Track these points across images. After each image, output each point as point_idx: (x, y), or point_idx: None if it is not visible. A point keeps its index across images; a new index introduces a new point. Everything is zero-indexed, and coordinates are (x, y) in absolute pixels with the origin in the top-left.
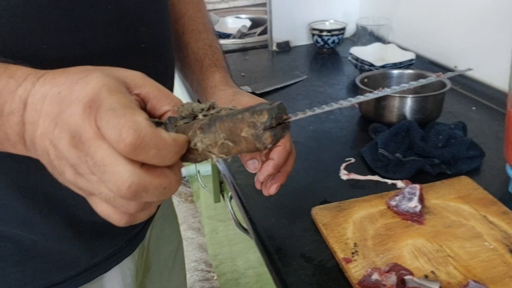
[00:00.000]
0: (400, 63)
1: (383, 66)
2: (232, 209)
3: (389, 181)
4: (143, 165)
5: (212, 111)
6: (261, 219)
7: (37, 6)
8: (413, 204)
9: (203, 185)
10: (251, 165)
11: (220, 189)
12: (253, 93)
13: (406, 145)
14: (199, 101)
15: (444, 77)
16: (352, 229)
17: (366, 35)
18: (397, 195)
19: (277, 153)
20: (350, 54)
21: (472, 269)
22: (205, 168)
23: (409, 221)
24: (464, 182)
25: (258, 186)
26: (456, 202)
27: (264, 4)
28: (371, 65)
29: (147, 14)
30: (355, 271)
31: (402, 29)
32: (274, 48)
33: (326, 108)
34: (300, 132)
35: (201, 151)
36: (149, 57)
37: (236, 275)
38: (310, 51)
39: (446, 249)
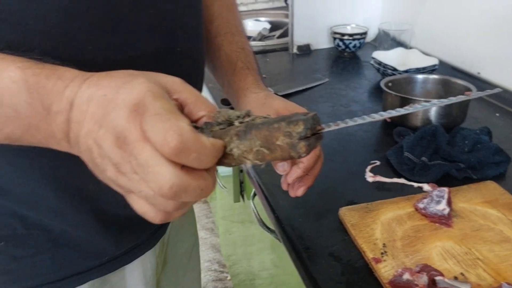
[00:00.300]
0: (423, 68)
1: (406, 71)
2: (255, 208)
3: (415, 184)
4: (183, 167)
5: (247, 119)
6: (288, 218)
7: (85, 9)
8: (442, 207)
9: (222, 186)
10: (281, 167)
11: (240, 189)
12: (275, 94)
13: (432, 149)
14: (223, 101)
15: (473, 96)
16: (381, 230)
17: (388, 40)
18: (425, 198)
19: (307, 157)
20: (373, 58)
21: (502, 272)
22: (224, 168)
23: (437, 224)
24: (491, 187)
25: (284, 187)
26: (483, 206)
27: (283, 7)
28: (394, 69)
29: (184, 18)
30: (384, 271)
31: (424, 34)
32: (295, 50)
33: (359, 121)
34: (325, 133)
35: (236, 156)
36: (183, 60)
37: (250, 276)
38: (330, 54)
39: (475, 252)
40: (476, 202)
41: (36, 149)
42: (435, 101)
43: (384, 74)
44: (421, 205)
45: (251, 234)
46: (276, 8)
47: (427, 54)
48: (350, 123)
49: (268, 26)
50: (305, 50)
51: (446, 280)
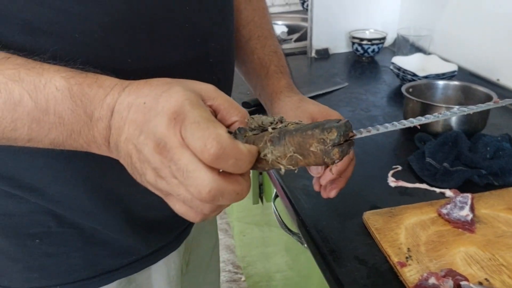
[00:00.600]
0: (443, 74)
1: (425, 77)
2: (276, 210)
3: (437, 190)
4: (220, 172)
5: (280, 125)
6: (312, 221)
7: (126, 25)
8: (465, 213)
9: None
10: (314, 170)
11: (258, 191)
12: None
13: (453, 155)
14: (243, 104)
15: (502, 104)
16: (405, 234)
17: (407, 45)
18: (448, 204)
19: None
20: (392, 63)
21: None
22: None
23: (460, 229)
24: None
25: (317, 188)
26: (506, 213)
27: (299, 11)
28: (414, 75)
29: (216, 29)
30: (409, 275)
31: (442, 40)
32: (313, 54)
33: (390, 128)
34: None
35: (270, 161)
36: (214, 69)
37: (264, 277)
38: (349, 59)
39: (499, 258)
40: (499, 208)
41: (71, 152)
42: (463, 108)
43: (403, 80)
44: (444, 211)
45: (266, 235)
46: (293, 12)
47: (446, 60)
48: (382, 129)
49: (285, 29)
50: (324, 54)
51: (472, 285)
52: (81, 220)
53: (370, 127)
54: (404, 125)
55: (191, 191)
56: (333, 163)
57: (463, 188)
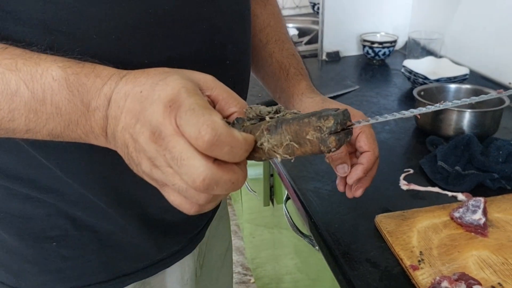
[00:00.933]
0: (454, 77)
1: (437, 80)
2: (287, 212)
3: (449, 193)
4: (215, 161)
5: (278, 114)
6: (324, 224)
7: (144, 26)
8: (477, 217)
9: (250, 189)
10: (341, 169)
11: (269, 193)
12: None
13: (465, 159)
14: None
15: (505, 94)
16: (417, 238)
17: (418, 49)
18: (460, 207)
19: (367, 158)
20: (404, 66)
21: None
22: (253, 171)
23: (472, 233)
24: None
25: (341, 188)
26: None
27: (310, 14)
28: (425, 78)
29: (234, 33)
30: (422, 278)
31: (454, 43)
32: (324, 57)
33: (389, 117)
34: None
35: (266, 150)
36: (231, 72)
37: (273, 280)
38: (359, 61)
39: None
40: (511, 212)
41: (89, 155)
42: (465, 99)
43: (414, 83)
44: (456, 214)
45: (276, 238)
46: (303, 15)
47: (457, 63)
48: (381, 119)
49: (296, 32)
50: (334, 57)
51: None
52: (98, 222)
53: (369, 118)
54: (404, 114)
55: (185, 179)
56: (329, 151)
57: (475, 192)
